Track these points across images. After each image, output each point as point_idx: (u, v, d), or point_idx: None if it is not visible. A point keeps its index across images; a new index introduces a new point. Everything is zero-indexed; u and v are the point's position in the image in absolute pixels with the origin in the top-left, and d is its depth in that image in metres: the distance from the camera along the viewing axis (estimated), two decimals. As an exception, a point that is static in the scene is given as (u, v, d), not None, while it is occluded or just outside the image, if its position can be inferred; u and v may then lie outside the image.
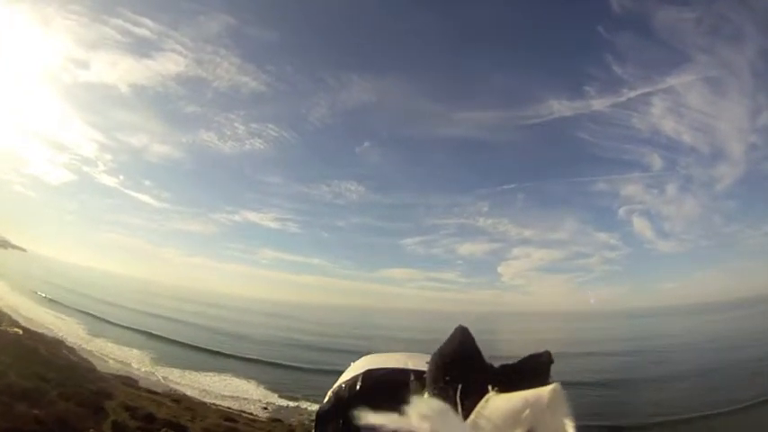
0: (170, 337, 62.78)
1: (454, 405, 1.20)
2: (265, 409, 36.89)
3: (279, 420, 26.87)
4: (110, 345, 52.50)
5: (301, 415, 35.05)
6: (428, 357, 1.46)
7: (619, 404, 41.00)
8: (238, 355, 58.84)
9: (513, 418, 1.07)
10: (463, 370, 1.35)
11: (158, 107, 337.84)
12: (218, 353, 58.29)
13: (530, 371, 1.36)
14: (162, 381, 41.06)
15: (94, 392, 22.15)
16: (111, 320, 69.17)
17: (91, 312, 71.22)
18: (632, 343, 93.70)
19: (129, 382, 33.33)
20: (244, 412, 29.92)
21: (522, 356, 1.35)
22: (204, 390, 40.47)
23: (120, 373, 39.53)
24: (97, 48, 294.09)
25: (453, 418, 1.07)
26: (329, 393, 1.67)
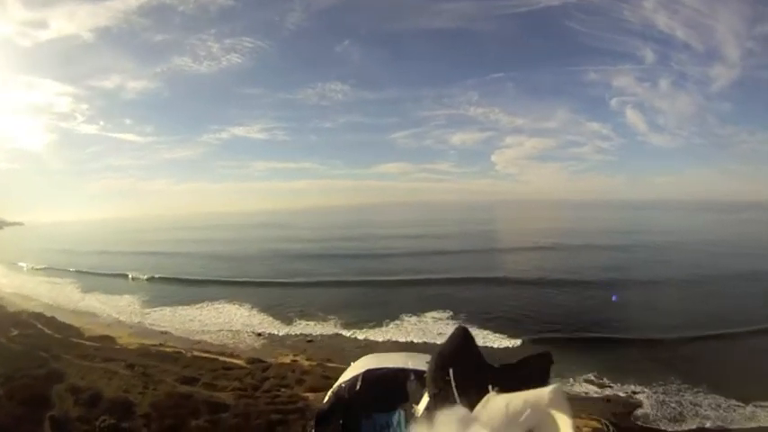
0: (162, 276, 61.31)
1: (454, 405, 1.33)
2: (259, 335, 35.45)
3: (259, 361, 25.04)
4: (102, 298, 51.87)
5: (296, 336, 34.57)
6: (428, 357, 1.62)
7: (609, 310, 39.02)
8: (231, 279, 57.44)
9: (513, 418, 1.17)
10: (463, 370, 1.45)
11: (125, 44, 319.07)
12: (210, 281, 57.05)
13: (530, 371, 1.51)
14: (149, 327, 40.09)
15: (43, 377, 20.31)
16: (104, 272, 67.93)
17: (84, 270, 69.84)
18: (626, 237, 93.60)
19: (105, 343, 31.92)
20: (224, 354, 28.27)
21: (522, 358, 1.54)
22: (193, 322, 39.94)
23: (110, 325, 39.99)
24: (51, 5, 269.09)
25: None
26: (329, 393, 1.92)
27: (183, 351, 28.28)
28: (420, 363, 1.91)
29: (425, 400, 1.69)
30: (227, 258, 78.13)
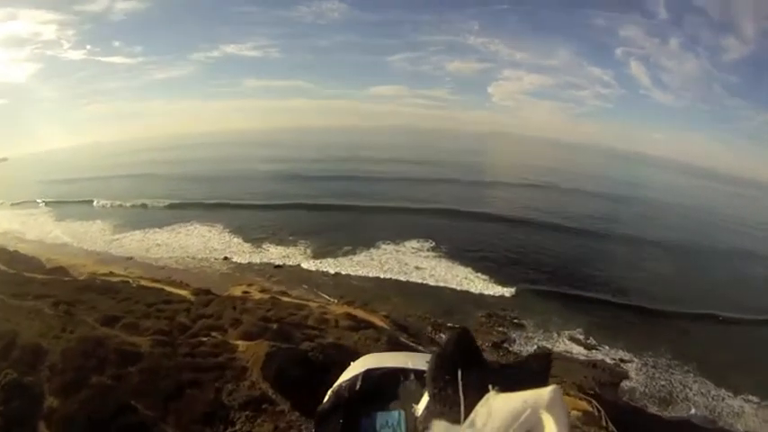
0: (137, 201, 58.21)
1: (454, 405, 1.32)
2: (225, 260, 34.09)
3: (205, 292, 22.69)
4: (74, 225, 49.54)
5: (262, 262, 32.58)
6: (428, 357, 1.56)
7: (598, 264, 36.60)
8: (206, 201, 54.55)
9: (513, 418, 1.12)
10: (463, 369, 1.41)
11: None
12: (187, 204, 54.40)
13: (529, 371, 1.45)
14: (115, 253, 38.17)
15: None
16: (81, 199, 65.01)
17: (62, 199, 66.59)
18: (618, 186, 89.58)
19: (57, 275, 29.68)
20: (172, 284, 26.10)
21: (522, 358, 1.67)
22: (160, 247, 37.95)
23: (77, 254, 38.08)
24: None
25: None
26: (329, 393, 1.78)
27: (129, 281, 26.17)
28: (420, 362, 1.76)
29: (425, 399, 1.58)
30: (206, 179, 74.76)
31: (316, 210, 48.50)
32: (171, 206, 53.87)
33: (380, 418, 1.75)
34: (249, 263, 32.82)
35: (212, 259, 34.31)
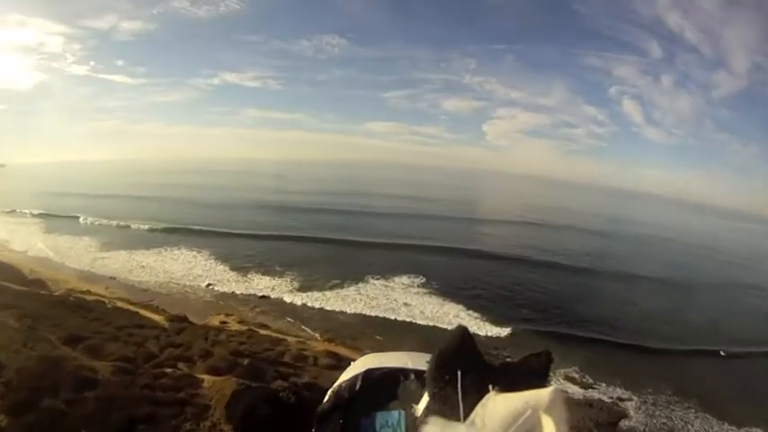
0: (126, 221, 57.28)
1: (454, 405, 1.33)
2: (209, 286, 33.12)
3: (180, 319, 21.59)
4: (62, 240, 48.97)
5: (246, 292, 31.50)
6: (428, 357, 1.58)
7: (594, 302, 35.79)
8: (195, 227, 53.73)
9: (513, 418, 1.13)
10: (463, 369, 1.41)
11: None
12: (177, 228, 53.44)
13: (529, 371, 1.48)
14: (98, 271, 37.04)
15: None
16: (71, 214, 64.22)
17: (53, 212, 65.72)
18: (613, 224, 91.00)
19: (33, 288, 28.56)
20: (149, 308, 25.01)
21: (521, 358, 1.50)
22: (144, 269, 36.83)
23: (59, 269, 37.32)
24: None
25: None
26: (329, 393, 1.80)
27: (105, 301, 24.99)
28: (420, 362, 1.74)
29: (425, 399, 1.61)
30: (197, 205, 74.33)
31: (306, 242, 47.80)
32: (160, 229, 52.73)
33: (380, 418, 1.73)
34: (233, 292, 31.79)
35: (196, 286, 33.31)
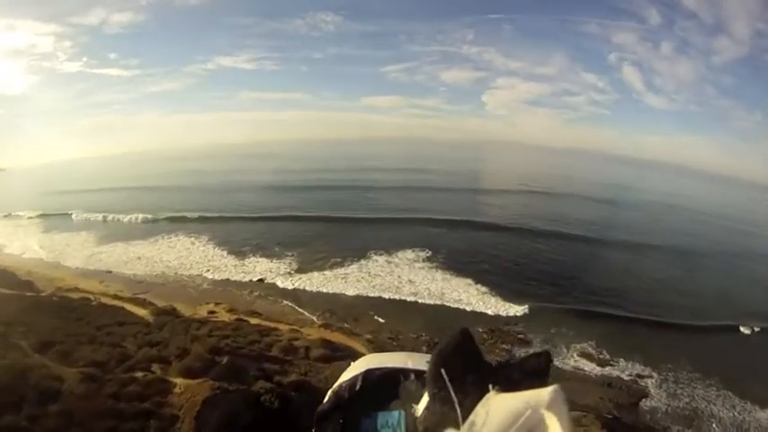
0: (123, 213, 55.91)
1: (454, 405, 1.32)
2: (208, 270, 32.08)
3: (167, 312, 20.27)
4: (58, 237, 48.36)
5: (243, 276, 30.21)
6: (428, 357, 1.57)
7: (603, 272, 34.16)
8: (194, 213, 52.07)
9: (513, 418, 1.12)
10: (463, 369, 1.41)
11: None
12: (173, 216, 52.06)
13: (530, 370, 1.41)
14: (94, 265, 36.07)
15: None
16: (68, 212, 63.24)
17: (52, 212, 64.59)
18: (618, 191, 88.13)
19: (22, 290, 27.53)
20: (135, 301, 23.82)
21: (522, 357, 1.41)
22: (140, 260, 35.75)
23: (57, 266, 36.60)
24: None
25: None
26: (329, 393, 1.78)
27: (91, 297, 23.76)
28: (420, 362, 1.77)
29: (425, 399, 1.60)
30: (196, 191, 73.07)
31: (306, 221, 46.21)
32: (157, 219, 51.34)
33: (380, 418, 1.71)
34: (227, 279, 30.38)
35: (193, 274, 32.10)
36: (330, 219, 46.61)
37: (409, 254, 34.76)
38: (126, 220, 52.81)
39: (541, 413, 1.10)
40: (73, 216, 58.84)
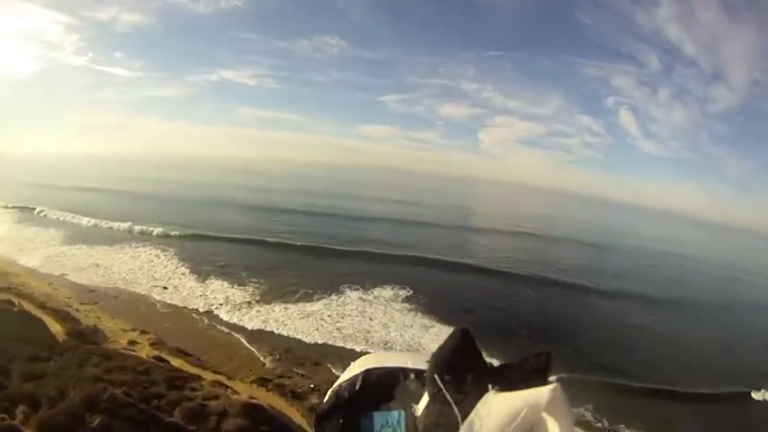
0: (98, 216, 53.88)
1: (454, 405, 1.30)
2: (165, 288, 29.71)
3: (83, 335, 17.76)
4: (26, 231, 47.34)
5: (194, 300, 27.63)
6: (428, 356, 1.53)
7: (597, 325, 32.37)
8: (168, 223, 49.75)
9: (512, 417, 1.11)
10: (462, 369, 1.39)
11: None
12: (148, 223, 49.77)
13: (529, 370, 1.37)
14: (52, 265, 34.25)
15: None
16: (43, 206, 61.39)
17: (28, 205, 62.52)
18: (607, 237, 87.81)
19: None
20: (56, 314, 21.52)
21: (522, 357, 1.38)
22: (98, 267, 33.78)
23: (12, 263, 34.88)
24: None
25: None
26: (329, 393, 1.70)
27: (15, 302, 21.52)
28: (420, 362, 1.64)
29: (425, 399, 1.53)
30: (177, 202, 71.17)
31: (282, 246, 43.81)
32: (129, 226, 48.75)
33: (380, 417, 1.64)
34: (177, 302, 27.80)
35: (148, 289, 29.76)
36: (307, 247, 44.03)
37: (387, 291, 32.44)
38: (96, 223, 50.66)
39: (541, 412, 1.08)
40: (45, 212, 57.24)
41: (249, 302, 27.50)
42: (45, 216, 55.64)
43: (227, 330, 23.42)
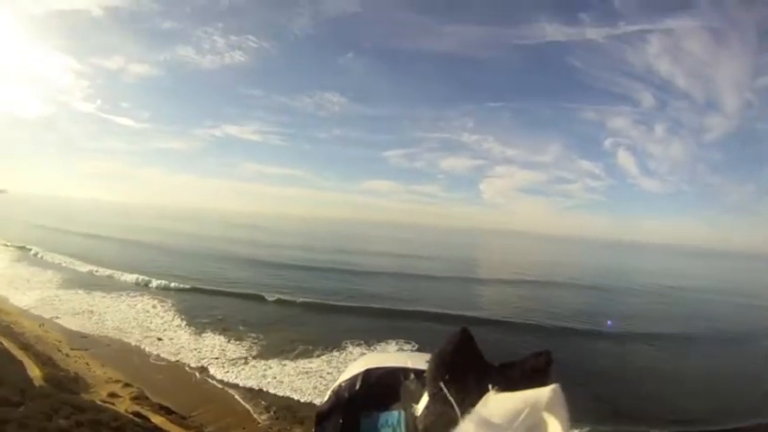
0: (97, 263, 53.08)
1: (454, 404, 1.31)
2: (159, 340, 28.65)
3: (57, 384, 16.58)
4: (26, 269, 48.13)
5: (186, 355, 26.26)
6: (428, 356, 1.58)
7: (615, 382, 27.89)
8: (168, 275, 49.26)
9: (512, 417, 1.10)
10: (463, 369, 1.41)
11: (134, 27, 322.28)
12: (148, 274, 48.91)
13: (529, 370, 1.37)
14: (44, 308, 33.51)
15: None
16: (43, 248, 61.55)
17: (29, 245, 63.13)
18: (615, 278, 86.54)
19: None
20: (41, 357, 20.49)
21: (524, 356, 1.38)
22: (93, 314, 32.86)
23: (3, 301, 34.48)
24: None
25: None
26: (329, 393, 1.78)
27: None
28: (420, 362, 1.72)
29: (425, 399, 1.57)
30: (179, 254, 70.74)
31: (283, 302, 42.30)
32: (129, 275, 47.82)
33: (380, 417, 1.67)
34: (175, 352, 26.64)
35: (143, 338, 28.67)
36: (309, 303, 42.40)
37: (391, 347, 30.86)
38: (95, 270, 50.12)
39: (541, 413, 1.07)
40: (45, 254, 57.91)
41: (246, 358, 26.11)
42: (44, 258, 55.96)
43: (220, 386, 22.01)
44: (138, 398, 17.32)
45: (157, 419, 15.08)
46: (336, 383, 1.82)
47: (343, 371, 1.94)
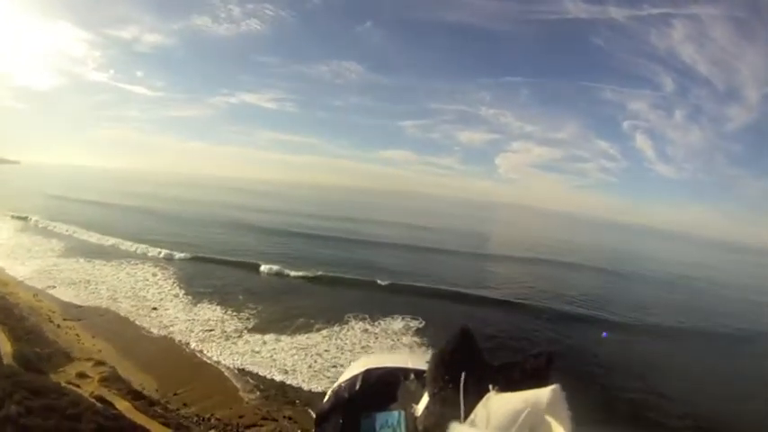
0: (102, 231, 52.39)
1: (454, 405, 1.30)
2: (155, 309, 27.57)
3: (26, 363, 15.32)
4: (29, 238, 47.66)
5: (190, 323, 25.99)
6: (428, 356, 1.55)
7: (629, 376, 25.92)
8: (173, 242, 48.62)
9: (513, 417, 1.10)
10: (463, 369, 1.39)
11: None
12: (153, 242, 48.00)
13: (530, 371, 1.36)
14: (43, 276, 32.95)
15: None
16: (50, 217, 61.23)
17: (35, 215, 62.26)
18: (629, 263, 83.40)
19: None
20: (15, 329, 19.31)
21: (524, 355, 1.36)
22: (89, 283, 31.96)
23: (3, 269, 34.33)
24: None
25: None
26: (329, 393, 1.74)
27: None
28: (420, 361, 1.72)
29: (425, 399, 1.57)
30: (188, 222, 69.64)
31: (288, 271, 40.98)
32: (132, 242, 47.28)
33: (380, 418, 1.67)
34: (168, 323, 25.49)
35: (138, 308, 27.61)
36: (314, 275, 40.66)
37: (397, 323, 29.32)
38: (99, 238, 49.47)
39: (541, 413, 1.07)
40: (51, 223, 57.26)
41: (241, 331, 24.76)
42: (49, 227, 55.35)
43: (211, 362, 20.76)
44: (108, 379, 15.87)
45: (122, 405, 13.57)
46: (336, 384, 1.75)
47: (343, 371, 1.83)
